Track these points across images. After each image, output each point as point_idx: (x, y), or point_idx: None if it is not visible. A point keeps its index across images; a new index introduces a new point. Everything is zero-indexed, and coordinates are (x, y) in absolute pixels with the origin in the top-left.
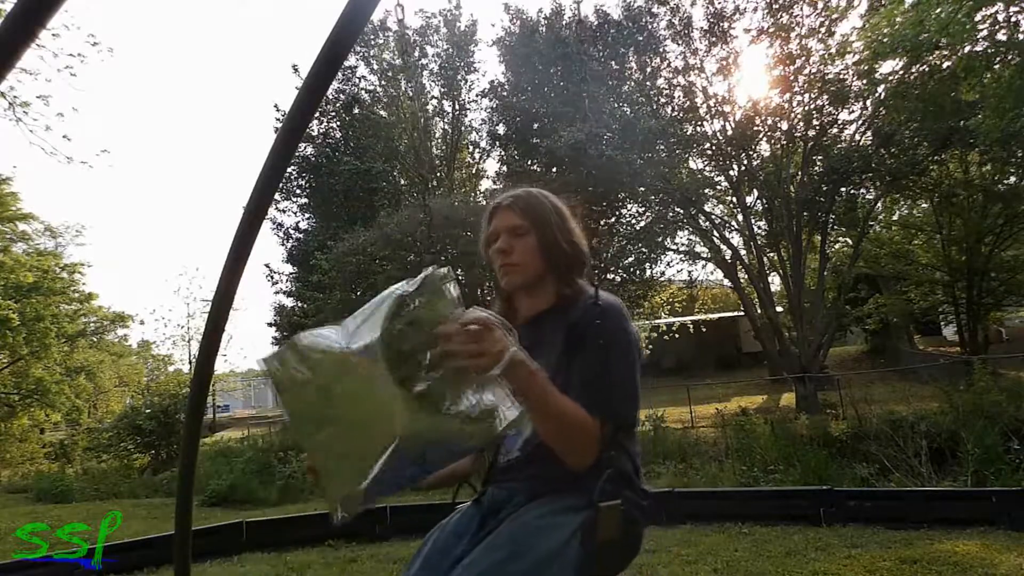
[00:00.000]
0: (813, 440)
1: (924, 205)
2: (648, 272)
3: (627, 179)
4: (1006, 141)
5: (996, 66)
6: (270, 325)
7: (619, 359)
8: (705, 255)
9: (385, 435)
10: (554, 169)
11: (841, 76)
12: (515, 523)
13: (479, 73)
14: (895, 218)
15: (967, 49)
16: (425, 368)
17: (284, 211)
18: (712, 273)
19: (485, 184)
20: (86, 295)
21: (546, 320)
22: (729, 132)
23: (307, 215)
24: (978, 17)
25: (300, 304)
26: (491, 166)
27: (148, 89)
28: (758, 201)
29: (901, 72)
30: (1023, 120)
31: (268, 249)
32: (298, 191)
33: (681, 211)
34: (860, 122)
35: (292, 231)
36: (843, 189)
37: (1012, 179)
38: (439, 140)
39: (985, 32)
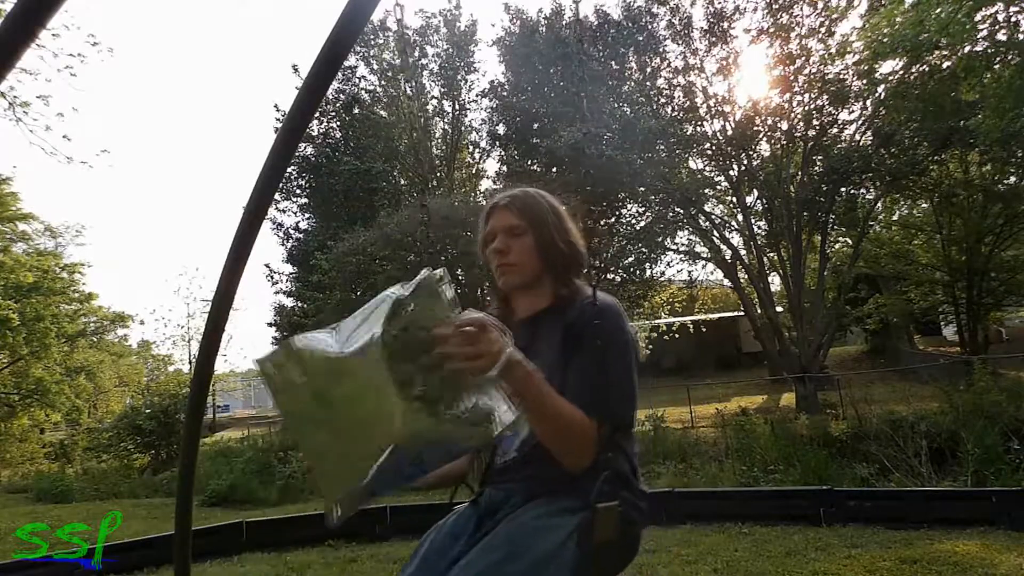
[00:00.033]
0: (813, 440)
1: (924, 205)
2: (648, 272)
3: (627, 179)
4: (1006, 141)
5: (996, 66)
6: (270, 325)
7: (616, 359)
8: (705, 255)
9: (382, 437)
10: (554, 169)
11: (841, 76)
12: (512, 524)
13: (479, 73)
14: (895, 218)
15: (967, 49)
16: (422, 370)
17: (284, 211)
18: (712, 273)
19: (485, 184)
20: (86, 295)
21: (543, 320)
22: (729, 132)
23: (307, 215)
24: (978, 17)
25: (300, 304)
26: (491, 166)
27: (148, 89)
28: (758, 201)
29: (901, 72)
30: (1023, 120)
31: (268, 249)
32: (298, 191)
33: (681, 211)
34: (860, 122)
35: (292, 231)
36: (843, 189)
37: (1012, 179)
38: (439, 140)
39: (985, 32)
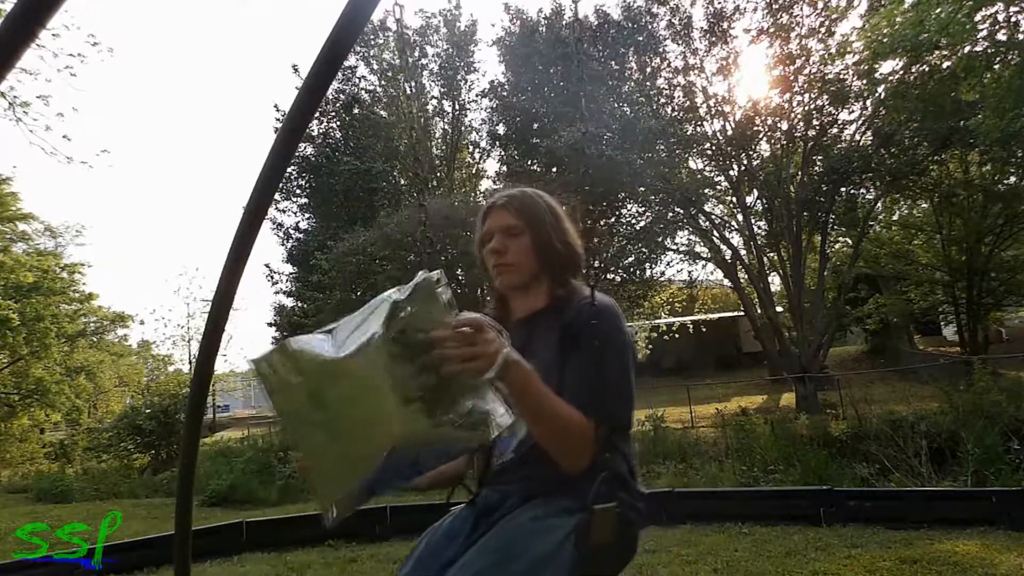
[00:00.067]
0: (813, 440)
1: (924, 205)
2: (648, 272)
3: (627, 179)
4: (1006, 141)
5: (996, 66)
6: (270, 325)
7: (614, 360)
8: (705, 255)
9: (379, 439)
10: (554, 169)
11: (841, 76)
12: (509, 525)
13: (479, 73)
14: (895, 218)
15: (967, 49)
16: (420, 372)
17: (284, 211)
18: (712, 273)
19: (485, 184)
20: (86, 295)
21: (540, 320)
22: (729, 132)
23: (307, 215)
24: (978, 17)
25: (300, 304)
26: (491, 166)
27: (148, 89)
28: (758, 201)
29: (901, 72)
30: (1023, 120)
31: (268, 249)
32: (298, 191)
33: (681, 211)
34: (860, 122)
35: (292, 231)
36: (843, 189)
37: (1012, 179)
38: (439, 140)
39: (985, 32)
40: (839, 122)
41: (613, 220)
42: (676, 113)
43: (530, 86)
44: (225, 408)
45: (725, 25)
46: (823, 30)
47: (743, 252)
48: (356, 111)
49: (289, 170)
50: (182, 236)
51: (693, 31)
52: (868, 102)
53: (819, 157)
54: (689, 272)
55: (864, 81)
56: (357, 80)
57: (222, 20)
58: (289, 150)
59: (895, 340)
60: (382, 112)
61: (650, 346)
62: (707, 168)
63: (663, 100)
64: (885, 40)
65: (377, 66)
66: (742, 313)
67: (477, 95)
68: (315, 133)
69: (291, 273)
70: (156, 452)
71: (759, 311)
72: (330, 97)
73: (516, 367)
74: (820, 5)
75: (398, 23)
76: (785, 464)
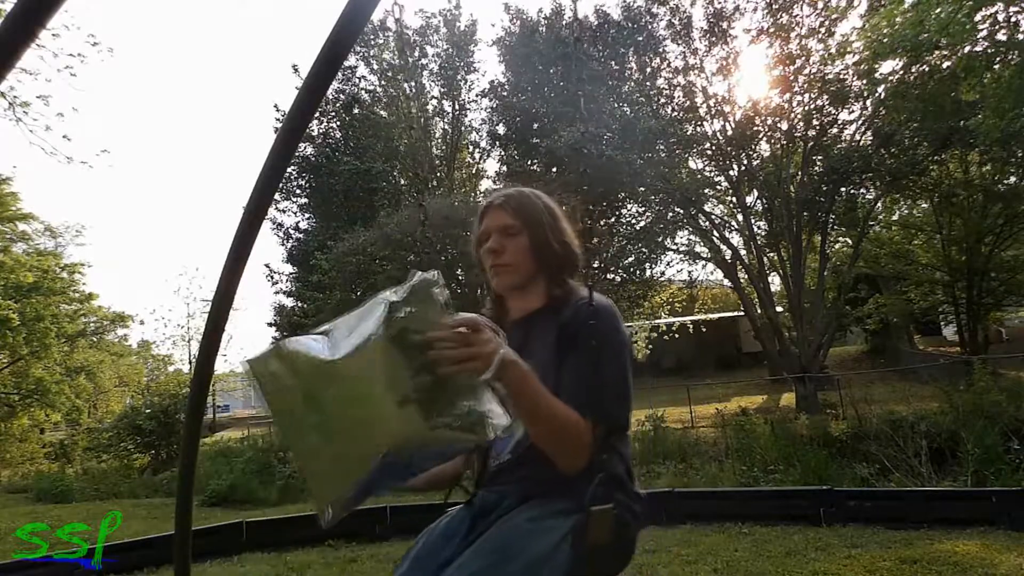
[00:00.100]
0: (813, 440)
1: (924, 205)
2: (648, 272)
3: (627, 179)
4: (1006, 141)
5: (996, 66)
6: (270, 325)
7: (611, 360)
8: (705, 255)
9: (375, 440)
10: (554, 169)
11: (841, 76)
12: (505, 526)
13: (479, 73)
14: (895, 218)
15: (967, 49)
16: (416, 373)
17: (284, 211)
18: (712, 273)
19: (485, 184)
20: (86, 295)
21: (537, 320)
22: (729, 132)
23: (307, 215)
24: (978, 17)
25: (300, 304)
26: (491, 166)
27: (148, 89)
28: (758, 201)
29: (901, 72)
30: (1023, 120)
31: (268, 249)
32: (298, 191)
33: (681, 211)
34: (860, 122)
35: (292, 231)
36: (843, 189)
37: (1012, 179)
38: (439, 140)
39: (985, 32)
40: (839, 122)
41: (613, 220)
42: (676, 113)
43: (530, 86)
44: (225, 408)
45: (725, 25)
46: (823, 30)
47: (743, 252)
48: (356, 111)
49: (289, 170)
50: (182, 236)
51: (693, 31)
52: (868, 102)
53: (819, 157)
54: (689, 272)
55: (864, 81)
56: (357, 80)
57: (222, 20)
58: (289, 150)
59: (895, 340)
60: (382, 112)
61: (650, 346)
62: (707, 168)
63: (663, 100)
64: (885, 40)
65: (377, 66)
66: (742, 313)
67: (477, 95)
68: (315, 133)
69: (291, 273)
70: (156, 452)
71: (759, 311)
72: (330, 97)
73: (513, 367)
74: (820, 5)
75: (398, 23)
76: (785, 464)
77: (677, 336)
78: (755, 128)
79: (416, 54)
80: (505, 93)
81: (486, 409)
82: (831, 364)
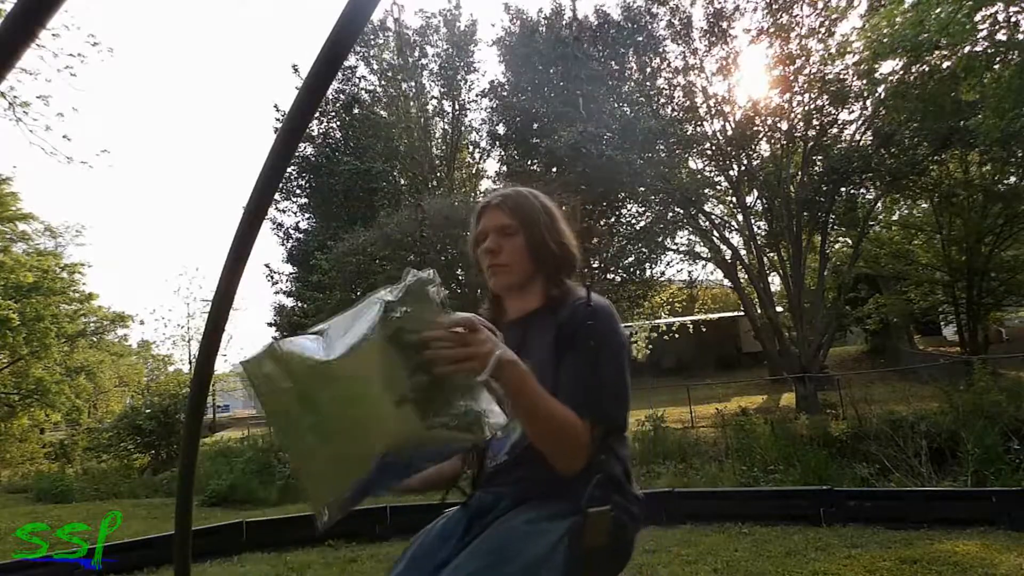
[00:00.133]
0: (813, 440)
1: (924, 205)
2: (648, 272)
3: (627, 179)
4: (1006, 141)
5: (996, 66)
6: (270, 325)
7: (609, 360)
8: (705, 255)
9: (372, 441)
10: (554, 169)
11: (841, 76)
12: (502, 528)
13: (479, 73)
14: (895, 218)
15: (967, 49)
16: (412, 373)
17: (284, 211)
18: (712, 273)
19: (485, 184)
20: (86, 295)
21: (534, 321)
22: (729, 132)
23: (307, 215)
24: (978, 17)
25: (300, 304)
26: (491, 166)
27: (148, 89)
28: (758, 201)
29: (901, 72)
30: (1023, 120)
31: (268, 249)
32: (298, 191)
33: (681, 211)
34: (860, 122)
35: (292, 231)
36: (843, 189)
37: (1012, 179)
38: (439, 140)
39: (985, 32)
40: (839, 122)
41: (613, 220)
42: (676, 113)
43: (530, 86)
44: (225, 408)
45: (725, 25)
46: (823, 30)
47: (743, 252)
48: (356, 111)
49: (289, 170)
50: (182, 236)
51: (693, 31)
52: (868, 102)
53: (819, 157)
54: (689, 272)
55: (864, 81)
56: (357, 80)
57: (222, 20)
58: (289, 150)
59: (895, 340)
60: (382, 112)
61: (650, 346)
62: (707, 168)
63: (663, 100)
64: (885, 40)
65: (377, 66)
66: (742, 313)
67: (477, 95)
68: (315, 133)
69: (291, 273)
70: (156, 452)
71: (759, 311)
72: (330, 97)
73: (511, 367)
74: (820, 5)
75: (397, 23)
76: (785, 464)
77: (677, 336)
78: (755, 128)
79: (416, 54)
80: (505, 93)
81: (483, 409)
82: (831, 364)
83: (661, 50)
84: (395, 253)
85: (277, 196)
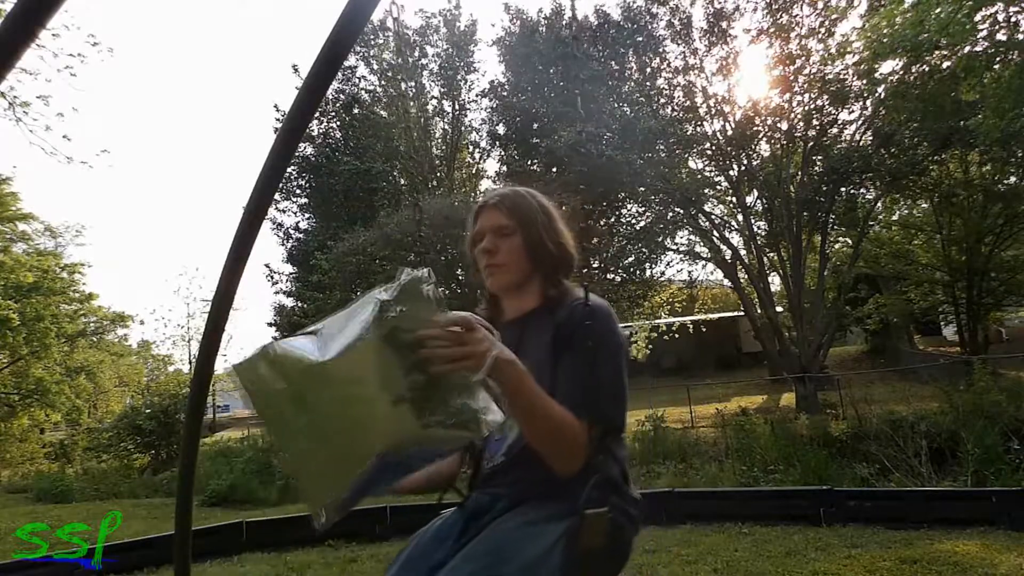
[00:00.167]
0: (813, 440)
1: (924, 205)
2: (648, 272)
3: (627, 179)
4: (1006, 141)
5: (996, 66)
6: (270, 325)
7: (607, 360)
8: (705, 255)
9: (368, 441)
10: (554, 169)
11: (841, 76)
12: (498, 529)
13: (479, 73)
14: (895, 218)
15: (967, 49)
16: (408, 373)
17: (284, 211)
18: (712, 273)
19: (485, 184)
20: (86, 295)
21: (532, 321)
22: (729, 132)
23: (307, 215)
24: (978, 17)
25: (300, 304)
26: (491, 166)
27: (148, 89)
28: (758, 201)
29: (901, 72)
30: (1023, 120)
31: (268, 249)
32: (298, 191)
33: (681, 211)
34: (860, 122)
35: (292, 231)
36: (843, 189)
37: (1012, 179)
38: (439, 140)
39: (985, 32)
40: (839, 122)
41: (613, 220)
42: (676, 113)
43: (530, 86)
44: (225, 408)
45: (725, 25)
46: (823, 30)
47: (743, 252)
48: (356, 111)
49: (289, 170)
50: (182, 236)
51: (693, 31)
52: (868, 102)
53: (819, 157)
54: (689, 272)
55: (864, 81)
56: (357, 80)
57: (222, 20)
58: (289, 150)
59: (895, 340)
60: (382, 112)
61: (650, 346)
62: (707, 168)
63: (663, 100)
64: (885, 40)
65: (377, 66)
66: (742, 313)
67: (477, 95)
68: (315, 133)
69: (291, 273)
70: (156, 452)
71: (759, 311)
72: (330, 97)
73: (508, 366)
74: (820, 5)
75: (396, 23)
76: (785, 464)
77: (677, 336)
78: (755, 128)
79: (416, 54)
80: (505, 93)
81: (480, 407)
82: (831, 364)
83: (661, 50)
84: (395, 253)
85: (277, 196)
